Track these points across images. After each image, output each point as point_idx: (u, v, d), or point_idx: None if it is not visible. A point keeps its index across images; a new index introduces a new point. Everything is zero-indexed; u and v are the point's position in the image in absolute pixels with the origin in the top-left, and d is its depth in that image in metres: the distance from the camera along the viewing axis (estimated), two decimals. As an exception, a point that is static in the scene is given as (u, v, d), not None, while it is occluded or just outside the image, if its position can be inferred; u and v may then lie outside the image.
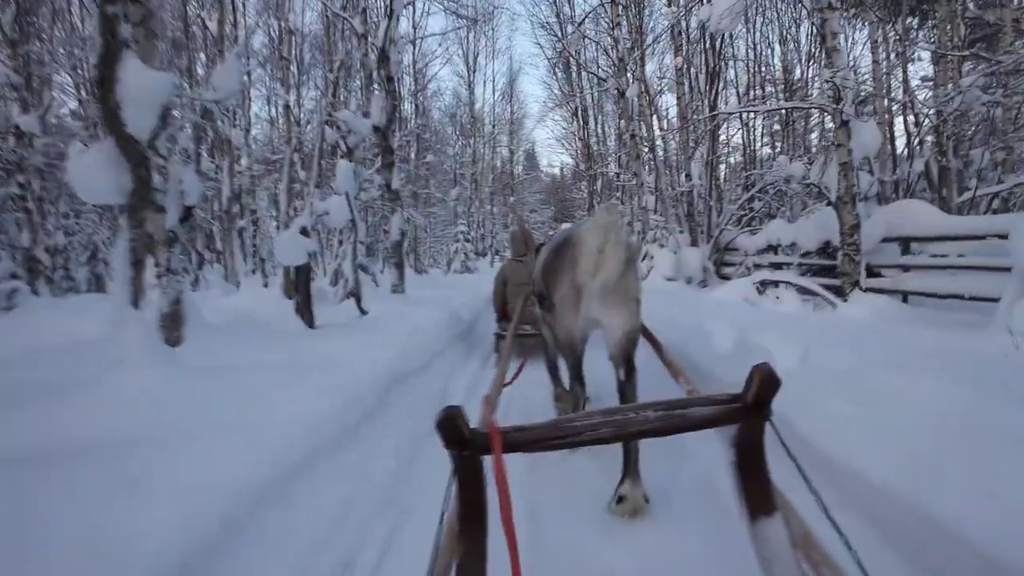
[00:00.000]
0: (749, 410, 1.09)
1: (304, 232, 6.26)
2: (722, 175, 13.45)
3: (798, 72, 13.78)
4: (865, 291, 5.80)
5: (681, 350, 3.41)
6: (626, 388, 2.12)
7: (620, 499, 1.91)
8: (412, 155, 16.29)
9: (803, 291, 5.89)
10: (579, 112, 16.03)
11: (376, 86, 7.66)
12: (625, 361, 2.12)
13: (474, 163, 23.32)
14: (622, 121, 13.49)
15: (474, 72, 22.54)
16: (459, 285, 11.36)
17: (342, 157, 6.86)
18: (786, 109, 13.59)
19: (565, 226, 4.21)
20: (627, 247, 2.01)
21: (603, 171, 16.83)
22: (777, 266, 8.03)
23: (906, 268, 5.90)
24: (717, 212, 11.16)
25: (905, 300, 5.86)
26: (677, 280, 9.48)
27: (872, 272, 6.06)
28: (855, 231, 5.91)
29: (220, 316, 5.16)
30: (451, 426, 1.00)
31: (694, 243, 10.67)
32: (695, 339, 3.75)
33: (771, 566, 1.01)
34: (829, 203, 6.14)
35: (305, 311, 6.18)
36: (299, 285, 6.24)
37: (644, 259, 10.51)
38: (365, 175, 7.87)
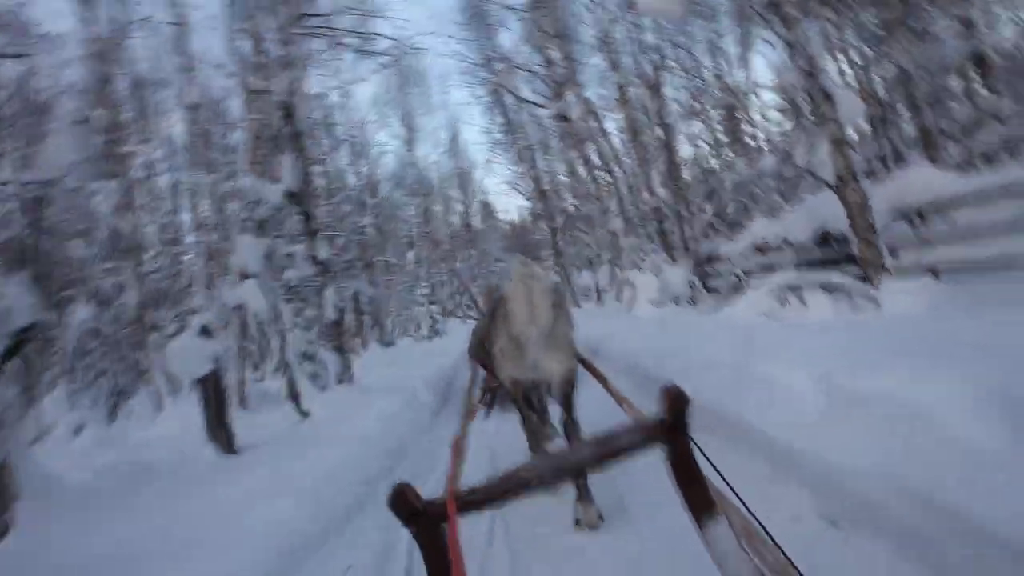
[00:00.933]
0: (669, 430, 1.19)
1: (206, 332, 4.96)
2: (685, 186, 12.88)
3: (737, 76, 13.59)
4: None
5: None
6: (568, 427, 2.30)
7: (577, 522, 2.13)
8: (358, 221, 15.23)
9: (830, 289, 4.86)
10: (523, 152, 15.50)
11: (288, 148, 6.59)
12: (567, 399, 2.30)
13: (427, 223, 22.46)
14: (573, 152, 13.01)
15: (413, 131, 22.11)
16: (426, 354, 10.09)
17: (245, 232, 5.66)
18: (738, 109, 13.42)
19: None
20: (552, 292, 2.18)
21: (560, 207, 16.13)
22: (769, 267, 7.09)
23: (929, 242, 5.00)
24: (688, 224, 10.35)
25: (936, 277, 4.93)
26: (665, 303, 8.45)
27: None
28: (865, 210, 5.00)
29: (107, 458, 4.17)
30: (402, 502, 1.06)
31: (672, 260, 9.76)
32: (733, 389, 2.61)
33: (725, 564, 1.06)
34: (828, 186, 5.25)
35: (219, 433, 4.83)
36: (207, 400, 4.91)
37: (623, 288, 9.49)
38: (285, 250, 6.69)
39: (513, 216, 46.23)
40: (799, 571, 0.96)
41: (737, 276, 7.53)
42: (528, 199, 17.52)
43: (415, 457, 3.75)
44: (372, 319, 16.60)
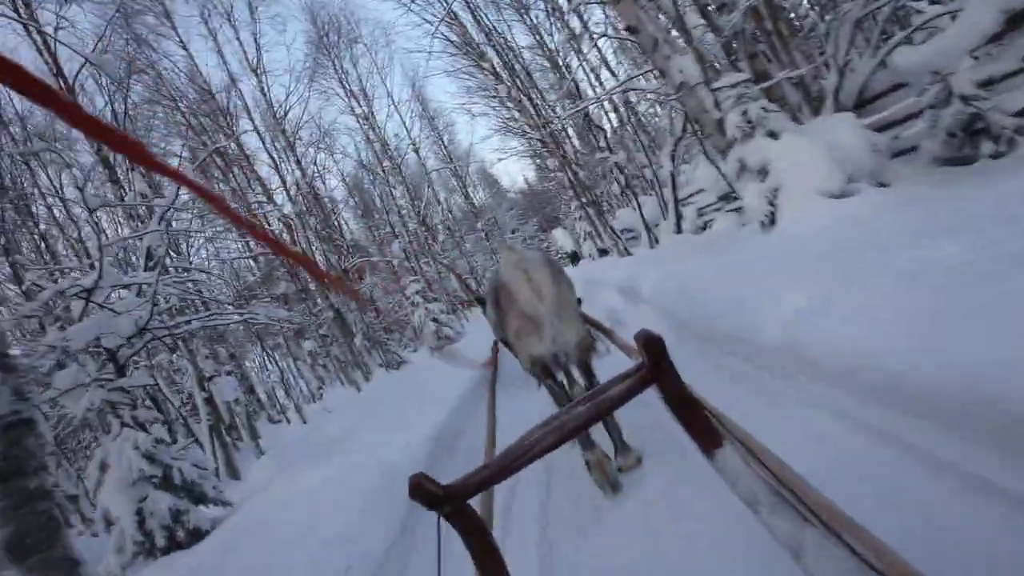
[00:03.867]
0: (653, 372, 1.22)
1: None
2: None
3: None
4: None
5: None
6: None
7: (619, 468, 2.16)
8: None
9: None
10: (496, 68, 11.28)
11: None
12: (586, 366, 2.38)
13: (414, 208, 18.44)
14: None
15: (369, 100, 17.95)
16: (437, 377, 6.50)
17: None
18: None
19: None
20: (546, 264, 2.22)
21: (563, 122, 11.68)
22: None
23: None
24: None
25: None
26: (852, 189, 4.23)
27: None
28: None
29: None
30: (421, 490, 1.09)
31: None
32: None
33: (736, 486, 1.11)
34: None
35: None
36: None
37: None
38: None
39: (520, 181, 42.18)
40: (803, 479, 0.98)
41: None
42: (521, 132, 13.24)
43: None
44: (364, 345, 12.84)
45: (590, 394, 1.31)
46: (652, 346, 1.20)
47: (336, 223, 15.17)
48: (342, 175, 18.97)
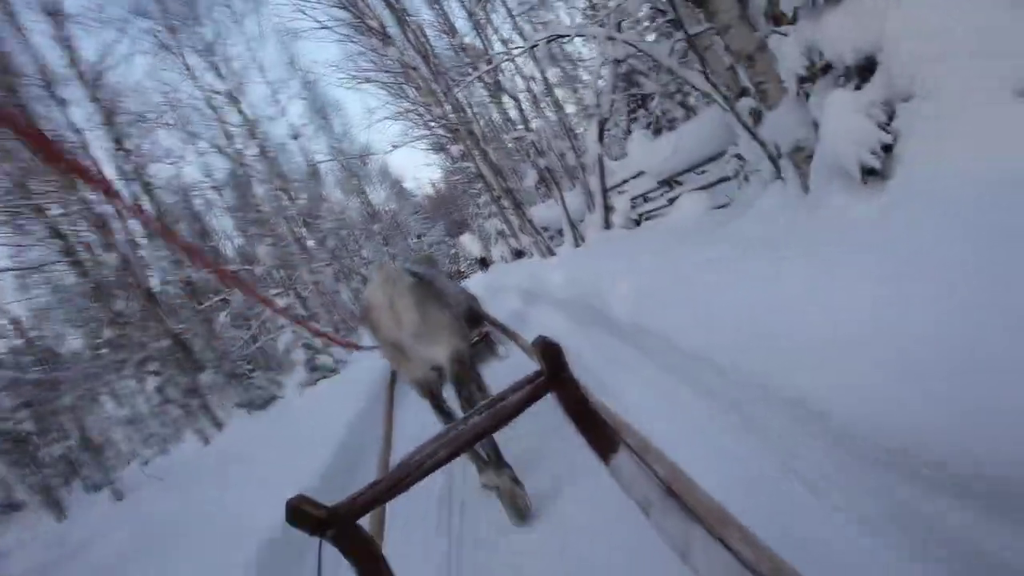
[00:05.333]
0: (550, 380, 1.21)
1: None
2: None
3: None
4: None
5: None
6: (461, 401, 2.24)
7: (496, 488, 2.03)
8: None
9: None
10: (384, 27, 8.81)
11: None
12: (459, 384, 2.23)
13: (293, 201, 15.19)
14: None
15: (237, 76, 14.49)
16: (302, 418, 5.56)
17: None
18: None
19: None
20: (411, 290, 2.11)
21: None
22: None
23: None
24: None
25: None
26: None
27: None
28: None
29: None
30: (301, 515, 0.99)
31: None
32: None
33: (631, 490, 1.11)
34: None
35: None
36: None
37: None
38: None
39: (427, 187, 39.60)
40: (692, 481, 0.97)
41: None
42: (444, 133, 10.76)
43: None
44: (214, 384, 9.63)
45: (487, 403, 1.24)
46: (550, 352, 1.17)
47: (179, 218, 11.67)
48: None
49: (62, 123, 9.84)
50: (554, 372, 1.19)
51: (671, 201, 6.97)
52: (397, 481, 1.13)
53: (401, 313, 2.05)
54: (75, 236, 9.55)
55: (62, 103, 9.88)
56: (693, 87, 4.95)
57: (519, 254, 11.65)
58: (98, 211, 9.31)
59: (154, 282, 11.46)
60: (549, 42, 6.34)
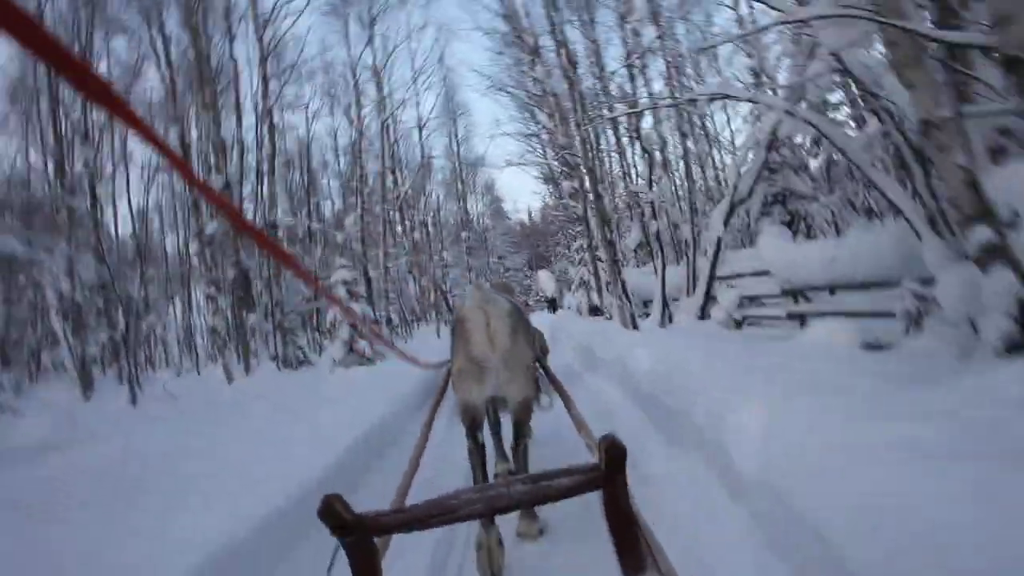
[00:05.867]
0: (605, 478, 1.15)
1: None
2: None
3: None
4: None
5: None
6: (516, 457, 2.36)
7: (519, 533, 2.23)
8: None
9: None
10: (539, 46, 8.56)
11: None
12: (518, 428, 2.32)
13: (396, 183, 15.43)
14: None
15: (388, 54, 15.18)
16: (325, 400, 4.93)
17: None
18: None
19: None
20: (510, 316, 2.16)
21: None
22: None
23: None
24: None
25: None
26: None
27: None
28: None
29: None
30: (332, 513, 1.05)
31: None
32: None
33: None
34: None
35: None
36: None
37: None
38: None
39: (523, 213, 39.94)
40: None
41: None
42: (561, 166, 10.38)
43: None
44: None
45: (533, 476, 1.22)
46: (614, 453, 1.13)
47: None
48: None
49: (224, 51, 10.52)
50: (611, 474, 1.14)
51: (792, 316, 5.92)
52: (427, 517, 1.14)
53: (495, 335, 2.08)
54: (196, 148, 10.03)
55: (230, 34, 10.58)
56: (881, 194, 4.03)
57: (596, 311, 10.81)
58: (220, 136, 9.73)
59: (249, 218, 11.86)
60: (712, 100, 5.67)
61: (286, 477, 2.61)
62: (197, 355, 15.96)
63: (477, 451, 2.40)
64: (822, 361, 3.06)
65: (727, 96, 5.23)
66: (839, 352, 3.56)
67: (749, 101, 5.59)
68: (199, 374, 13.20)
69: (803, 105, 4.44)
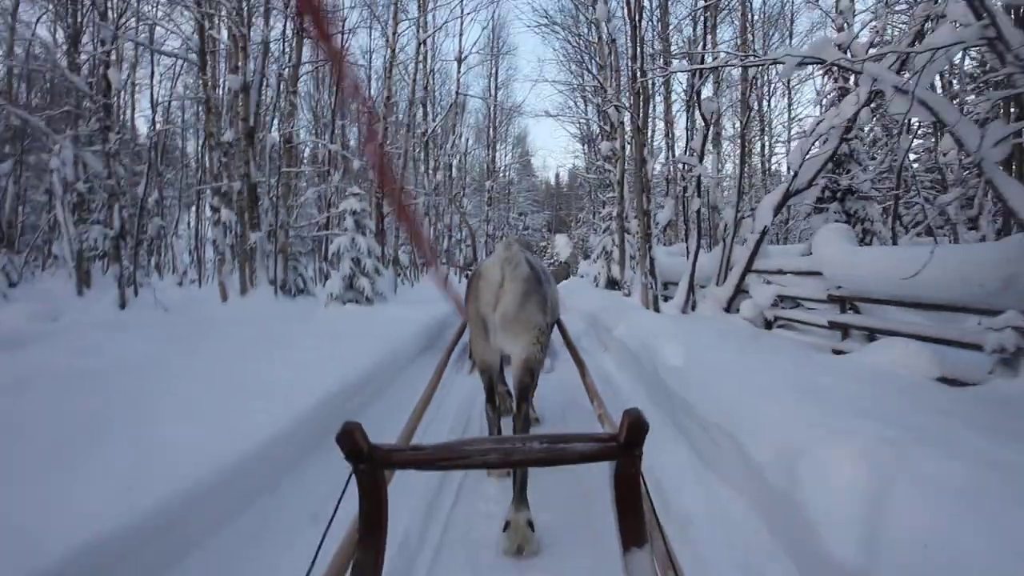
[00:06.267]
0: (622, 449, 1.15)
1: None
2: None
3: None
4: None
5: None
6: (516, 420, 2.32)
7: (506, 525, 2.05)
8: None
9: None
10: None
11: None
12: (520, 390, 2.29)
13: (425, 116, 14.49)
14: None
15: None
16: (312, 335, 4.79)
17: None
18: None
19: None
20: (525, 280, 2.16)
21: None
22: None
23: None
24: None
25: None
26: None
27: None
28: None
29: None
30: (350, 440, 1.06)
31: None
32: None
33: None
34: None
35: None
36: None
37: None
38: None
39: (551, 174, 38.62)
40: None
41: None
42: (603, 125, 9.45)
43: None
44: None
45: (550, 436, 1.17)
46: (636, 427, 1.10)
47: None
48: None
49: None
50: (629, 445, 1.08)
51: (835, 326, 5.27)
52: (438, 459, 1.12)
53: (505, 295, 2.09)
54: (213, 46, 9.28)
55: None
56: (999, 200, 3.30)
57: (614, 284, 10.18)
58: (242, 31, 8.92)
59: (266, 133, 11.21)
60: (803, 65, 4.82)
61: (211, 455, 2.08)
62: (202, 268, 15.68)
63: (493, 409, 2.48)
64: (906, 395, 2.46)
65: (819, 61, 4.40)
66: (910, 382, 2.96)
67: (851, 70, 4.72)
68: (200, 287, 12.90)
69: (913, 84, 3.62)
